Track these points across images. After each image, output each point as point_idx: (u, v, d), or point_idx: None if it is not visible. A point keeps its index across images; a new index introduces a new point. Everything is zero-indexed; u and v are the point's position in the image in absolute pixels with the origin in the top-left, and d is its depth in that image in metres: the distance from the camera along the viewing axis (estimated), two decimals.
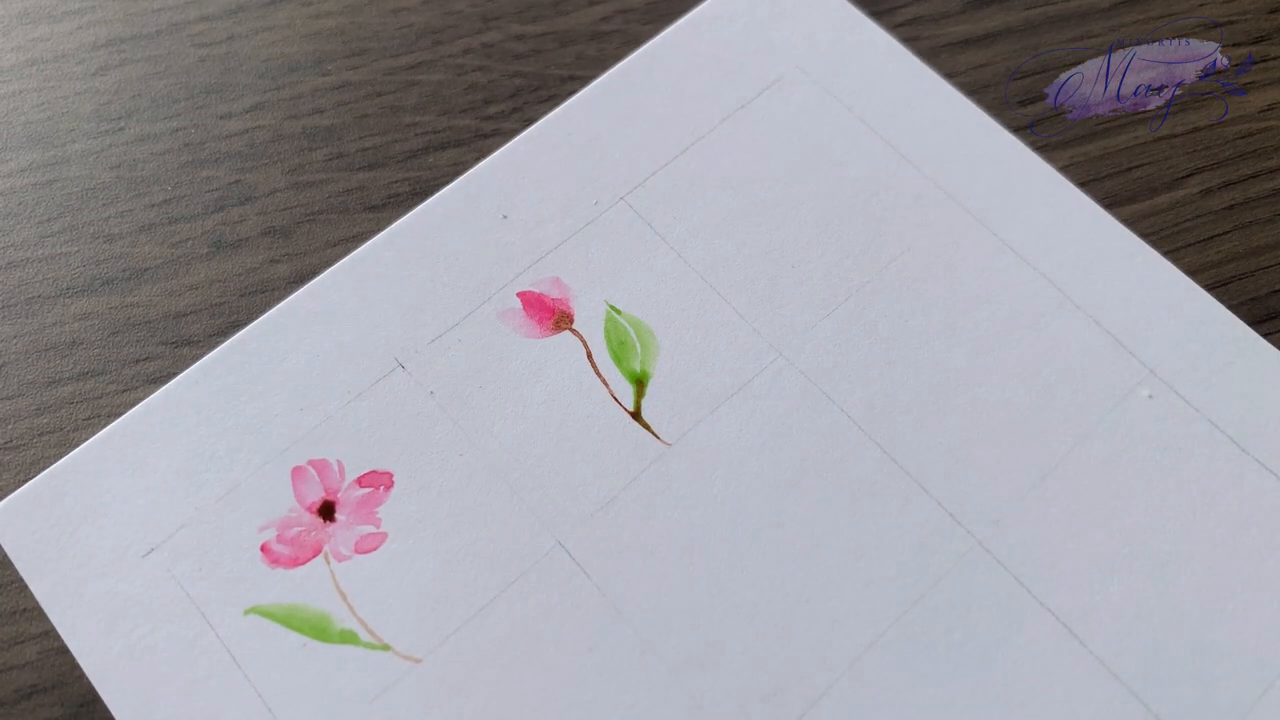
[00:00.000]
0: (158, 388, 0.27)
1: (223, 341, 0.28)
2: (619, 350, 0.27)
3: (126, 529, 0.25)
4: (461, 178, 0.29)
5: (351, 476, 0.26)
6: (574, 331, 0.28)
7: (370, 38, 0.32)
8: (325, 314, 0.28)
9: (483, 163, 0.30)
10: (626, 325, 0.28)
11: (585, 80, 0.31)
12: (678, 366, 0.27)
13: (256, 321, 0.28)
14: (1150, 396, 0.27)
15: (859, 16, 0.31)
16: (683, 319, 0.28)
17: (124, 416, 0.27)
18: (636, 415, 0.27)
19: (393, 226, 0.29)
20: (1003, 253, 0.28)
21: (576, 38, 0.32)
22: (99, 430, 0.27)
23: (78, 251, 0.29)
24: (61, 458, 0.26)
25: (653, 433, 0.26)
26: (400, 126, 0.31)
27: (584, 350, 0.27)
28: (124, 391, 0.28)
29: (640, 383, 0.27)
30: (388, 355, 0.27)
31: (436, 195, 0.29)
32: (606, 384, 0.27)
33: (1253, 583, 0.25)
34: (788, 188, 0.29)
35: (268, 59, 0.32)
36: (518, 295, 0.28)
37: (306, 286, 0.28)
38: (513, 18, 0.32)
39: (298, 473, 0.26)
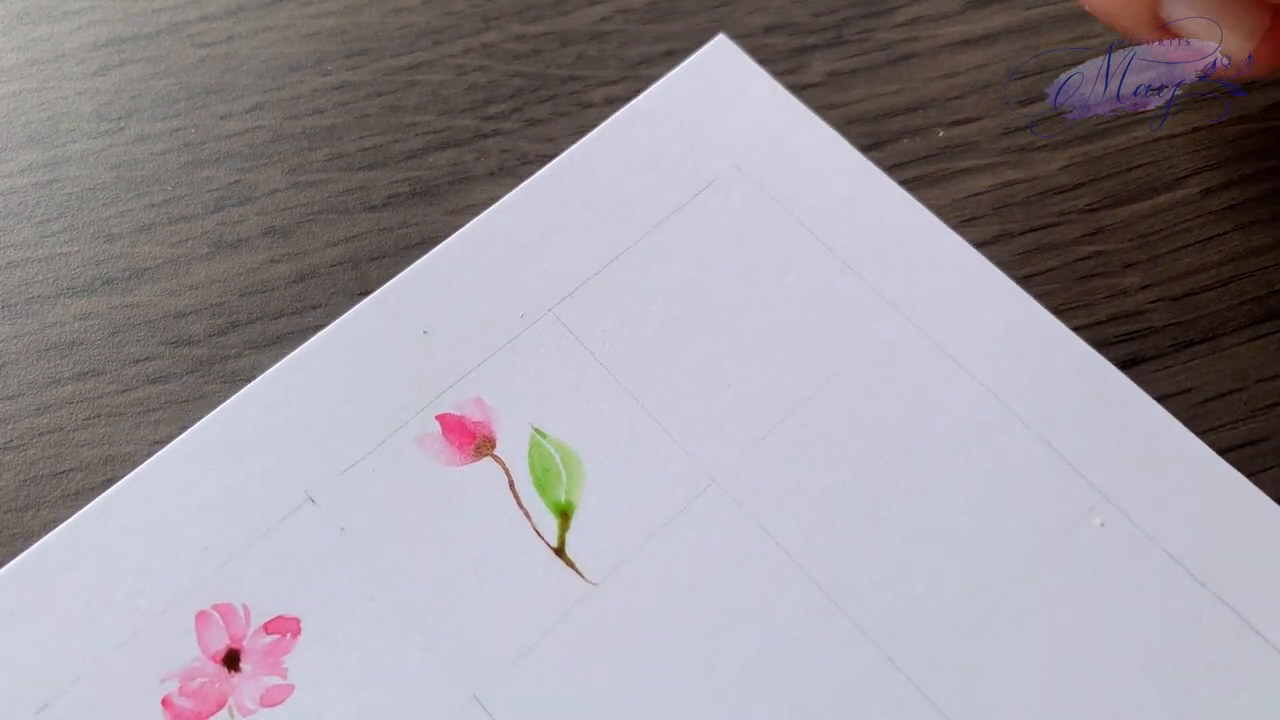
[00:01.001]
0: (158, 388, 0.27)
1: (223, 340, 0.28)
2: (543, 479, 0.26)
3: (15, 684, 0.24)
4: (379, 290, 0.28)
5: (258, 622, 0.25)
6: (495, 458, 0.26)
7: (370, 38, 0.32)
8: (234, 443, 0.26)
9: (403, 273, 0.28)
10: (552, 450, 0.26)
11: (585, 80, 0.31)
12: (605, 496, 0.26)
13: (157, 455, 0.26)
14: (1102, 524, 0.25)
15: (799, 107, 0.30)
16: (612, 442, 0.26)
17: (13, 562, 0.25)
18: (560, 551, 0.25)
19: (303, 346, 0.27)
20: (946, 365, 0.27)
21: (576, 38, 0.32)
22: (99, 430, 0.26)
23: (78, 251, 0.29)
24: (61, 457, 0.26)
25: (577, 570, 0.25)
26: (400, 126, 0.31)
27: (506, 479, 0.26)
28: (124, 391, 0.27)
29: (565, 515, 0.26)
30: (297, 488, 0.26)
31: (352, 310, 0.28)
32: (529, 516, 0.26)
33: None
34: (724, 298, 0.28)
35: (268, 59, 0.32)
36: (437, 418, 0.27)
37: (212, 413, 0.27)
38: (513, 18, 0.32)
39: (202, 618, 0.25)
